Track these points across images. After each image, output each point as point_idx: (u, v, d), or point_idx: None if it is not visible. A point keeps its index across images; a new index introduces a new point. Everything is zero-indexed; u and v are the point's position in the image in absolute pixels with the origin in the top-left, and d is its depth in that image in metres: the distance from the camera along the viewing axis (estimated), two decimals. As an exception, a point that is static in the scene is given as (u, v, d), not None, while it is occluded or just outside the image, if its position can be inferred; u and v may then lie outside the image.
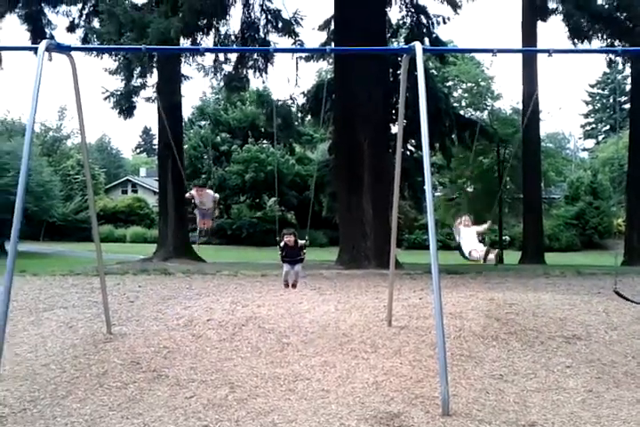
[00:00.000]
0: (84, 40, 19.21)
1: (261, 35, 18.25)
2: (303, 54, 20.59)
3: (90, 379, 5.43)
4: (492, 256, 6.07)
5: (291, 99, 23.66)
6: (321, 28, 22.98)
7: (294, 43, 18.00)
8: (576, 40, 16.70)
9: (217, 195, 7.52)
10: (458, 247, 6.37)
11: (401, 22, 22.87)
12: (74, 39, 19.35)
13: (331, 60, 22.13)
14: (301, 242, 6.70)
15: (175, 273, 12.80)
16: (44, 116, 68.90)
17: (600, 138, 67.42)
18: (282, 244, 6.69)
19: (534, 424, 4.31)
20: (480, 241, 6.31)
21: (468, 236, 6.35)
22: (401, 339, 6.58)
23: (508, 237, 36.61)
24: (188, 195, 7.29)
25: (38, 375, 5.52)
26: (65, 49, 5.83)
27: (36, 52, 5.40)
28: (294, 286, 7.17)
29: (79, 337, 6.85)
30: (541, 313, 7.60)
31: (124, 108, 19.46)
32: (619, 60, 19.50)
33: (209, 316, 7.70)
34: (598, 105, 69.29)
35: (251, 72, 18.53)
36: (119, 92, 19.17)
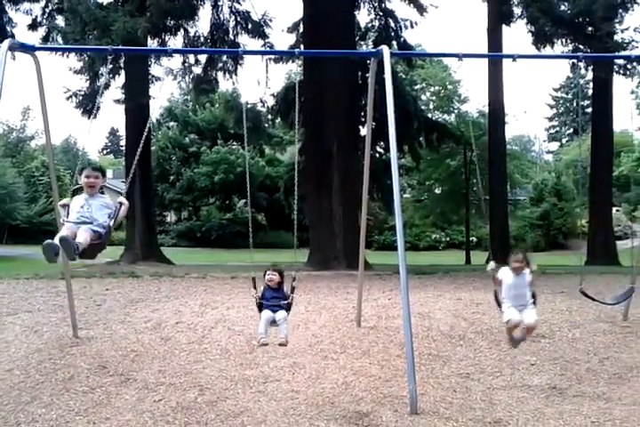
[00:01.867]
0: (46, 38, 18.85)
1: (231, 36, 18.23)
2: (273, 56, 20.60)
3: (55, 384, 5.34)
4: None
5: (261, 101, 23.63)
6: (290, 31, 22.98)
7: (264, 45, 18.01)
8: (540, 45, 17.05)
9: (123, 199, 4.72)
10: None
11: (369, 25, 23.02)
12: (36, 37, 18.98)
13: (300, 63, 22.18)
14: (293, 283, 5.02)
15: (143, 276, 12.66)
16: (7, 117, 67.40)
17: (564, 141, 68.95)
18: (260, 288, 5.01)
19: (500, 421, 4.40)
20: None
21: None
22: (370, 339, 6.64)
23: (474, 238, 37.15)
24: (64, 201, 4.72)
25: (1, 381, 5.40)
26: (29, 49, 5.75)
27: (-2, 52, 5.28)
28: (283, 344, 4.98)
29: (44, 341, 6.74)
30: (507, 313, 7.73)
31: (88, 109, 19.18)
32: (581, 64, 19.95)
33: (178, 319, 7.66)
34: (562, 108, 70.87)
35: (220, 74, 18.50)
36: (82, 92, 18.89)
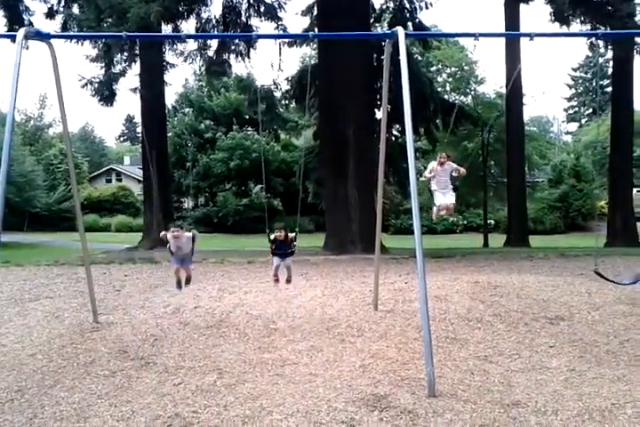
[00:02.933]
0: (64, 27, 18.89)
1: (243, 19, 18.09)
2: (286, 40, 20.45)
3: (77, 368, 5.43)
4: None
5: (274, 84, 23.51)
6: (304, 13, 22.79)
7: (277, 27, 17.87)
8: (558, 23, 16.72)
9: (195, 232, 6.76)
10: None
11: (384, 7, 22.75)
12: (53, 26, 19.08)
13: (314, 46, 22.00)
14: (291, 235, 6.55)
15: (161, 262, 12.77)
16: (24, 105, 67.91)
17: (583, 121, 67.88)
18: (272, 237, 6.57)
19: (518, 403, 4.39)
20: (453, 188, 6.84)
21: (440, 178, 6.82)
22: (387, 322, 6.65)
23: (492, 221, 36.89)
24: (162, 235, 6.60)
25: (25, 365, 5.51)
26: (44, 36, 5.75)
27: (14, 40, 5.30)
28: (288, 280, 6.91)
29: (65, 327, 6.84)
30: (525, 295, 7.71)
31: (105, 96, 19.27)
32: (600, 43, 19.56)
33: (196, 303, 7.72)
34: (581, 88, 69.67)
35: (233, 57, 18.41)
36: (98, 80, 18.96)
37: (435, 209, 7.10)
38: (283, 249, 6.58)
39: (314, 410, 4.29)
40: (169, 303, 7.77)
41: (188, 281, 6.87)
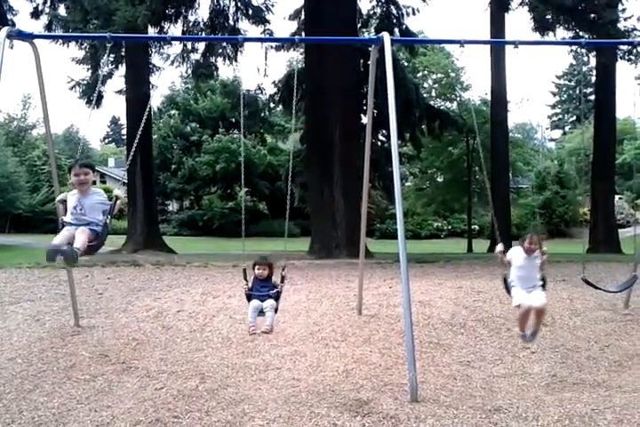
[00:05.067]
0: (49, 27, 18.73)
1: (231, 22, 18.06)
2: (273, 44, 20.45)
3: (57, 372, 5.37)
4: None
5: (259, 89, 23.51)
6: (291, 18, 22.85)
7: (264, 31, 17.89)
8: (541, 32, 16.87)
9: (118, 191, 4.76)
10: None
11: (371, 12, 22.84)
12: (38, 26, 18.88)
13: (302, 50, 22.04)
14: (278, 276, 5.09)
15: (145, 265, 12.67)
16: (8, 106, 67.32)
17: (567, 128, 68.56)
18: (250, 277, 5.07)
19: (500, 409, 4.40)
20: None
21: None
22: (371, 327, 6.65)
23: (476, 226, 37.13)
24: (61, 196, 4.71)
25: (4, 370, 5.43)
26: (27, 36, 5.68)
27: (-4, 40, 5.24)
28: (266, 332, 4.99)
29: (46, 330, 6.76)
30: (508, 300, 7.65)
31: (91, 98, 19.14)
32: (583, 51, 19.77)
33: (179, 307, 7.67)
34: (565, 96, 70.45)
35: (220, 60, 18.39)
36: (85, 82, 18.84)
37: (516, 305, 5.05)
38: (262, 290, 5.02)
39: (296, 415, 4.27)
40: (151, 307, 7.72)
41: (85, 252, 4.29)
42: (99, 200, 4.41)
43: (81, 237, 4.18)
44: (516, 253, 5.01)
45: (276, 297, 5.06)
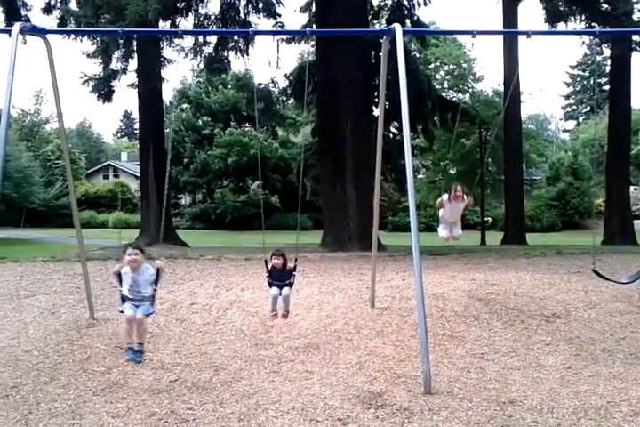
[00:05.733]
0: (61, 22, 18.79)
1: (242, 16, 18.00)
2: (284, 36, 20.39)
3: (73, 364, 5.42)
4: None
5: (272, 82, 23.47)
6: (302, 10, 22.74)
7: (275, 24, 17.81)
8: (553, 23, 16.67)
9: (161, 264, 5.26)
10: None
11: (382, 4, 22.70)
12: (50, 21, 18.94)
13: (312, 43, 21.96)
14: (290, 266, 5.69)
15: (158, 258, 12.71)
16: (21, 101, 67.66)
17: (581, 119, 67.95)
18: (269, 266, 5.66)
19: (514, 401, 4.39)
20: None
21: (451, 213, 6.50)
22: (384, 320, 6.64)
23: (489, 219, 36.93)
24: (116, 269, 5.13)
25: (20, 362, 5.50)
26: (40, 32, 5.72)
27: (10, 35, 5.28)
28: (284, 315, 5.67)
29: (62, 323, 6.83)
30: (522, 293, 7.71)
31: (103, 93, 19.24)
32: (596, 41, 19.53)
33: (193, 300, 7.71)
34: (579, 86, 69.69)
35: (232, 54, 18.36)
36: (97, 77, 18.92)
37: (441, 236, 6.75)
38: (280, 279, 5.65)
39: (310, 407, 4.29)
40: (165, 300, 7.75)
41: (139, 337, 4.96)
42: (148, 275, 5.07)
43: (140, 330, 4.96)
44: (445, 200, 6.50)
45: (290, 285, 5.62)
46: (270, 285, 5.64)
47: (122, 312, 5.01)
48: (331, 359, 5.50)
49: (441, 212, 6.57)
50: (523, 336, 6.20)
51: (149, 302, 5.04)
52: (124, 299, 5.01)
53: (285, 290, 5.55)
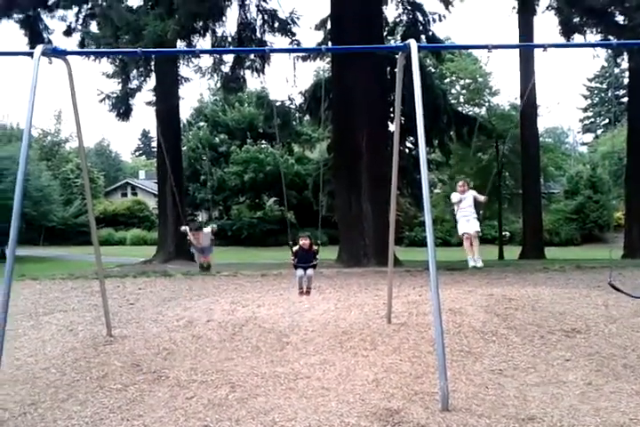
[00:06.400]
0: (82, 44, 19.19)
1: (258, 35, 18.26)
2: (300, 54, 20.61)
3: (90, 382, 5.44)
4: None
5: (289, 99, 23.69)
6: (317, 28, 23.01)
7: (291, 42, 18.02)
8: (568, 36, 16.65)
9: (213, 226, 7.82)
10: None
11: (397, 20, 22.90)
12: (71, 43, 19.36)
13: (328, 60, 22.14)
14: (315, 248, 6.67)
15: (175, 275, 12.81)
16: (42, 121, 68.90)
17: (599, 132, 67.32)
18: (295, 248, 6.66)
19: (534, 418, 4.32)
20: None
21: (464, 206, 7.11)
22: (400, 336, 6.59)
23: (508, 233, 36.57)
24: (183, 229, 7.61)
25: (38, 379, 5.53)
26: (60, 53, 5.85)
27: (32, 57, 5.42)
28: (308, 292, 6.96)
29: (79, 340, 6.87)
30: (541, 308, 7.61)
31: (122, 111, 19.51)
32: (610, 52, 19.45)
33: (209, 317, 7.72)
34: (597, 99, 69.22)
35: (248, 72, 18.59)
36: (115, 95, 19.22)
37: (460, 233, 7.31)
38: (306, 260, 6.65)
39: (326, 424, 4.26)
40: (182, 317, 7.78)
41: (208, 267, 7.82)
42: (210, 237, 7.67)
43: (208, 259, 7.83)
44: (455, 196, 7.23)
45: (314, 267, 6.81)
46: (295, 267, 6.71)
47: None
48: (347, 376, 5.46)
49: (455, 209, 7.21)
50: (542, 352, 6.10)
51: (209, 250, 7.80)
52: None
53: (309, 271, 6.67)
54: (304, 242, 6.57)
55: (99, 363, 5.96)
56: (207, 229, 7.65)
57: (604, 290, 8.92)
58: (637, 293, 6.89)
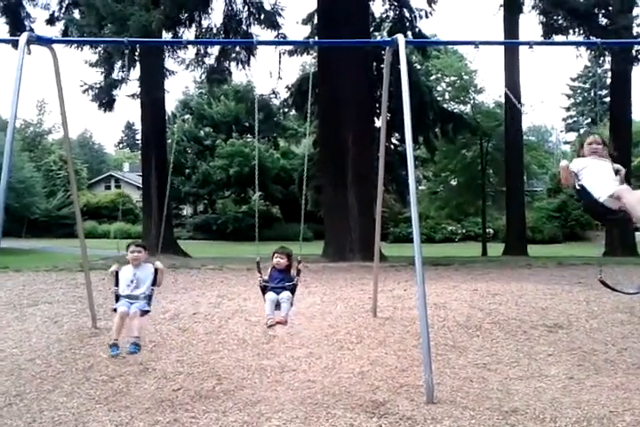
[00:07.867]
0: (65, 33, 18.95)
1: (244, 27, 18.18)
2: (286, 48, 20.58)
3: (76, 373, 5.43)
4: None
5: (273, 93, 23.64)
6: (304, 22, 22.96)
7: (277, 36, 17.98)
8: (551, 36, 16.80)
9: (159, 265, 5.30)
10: (581, 194, 4.53)
11: (384, 16, 22.92)
12: (54, 32, 19.09)
13: (315, 55, 22.11)
14: (297, 264, 5.17)
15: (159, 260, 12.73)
16: (24, 111, 67.92)
17: (581, 131, 67.94)
18: (267, 270, 5.13)
19: (517, 410, 4.39)
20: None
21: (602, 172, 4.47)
22: (386, 329, 6.65)
23: (491, 230, 36.92)
24: (113, 268, 5.35)
25: (24, 370, 5.51)
26: (46, 41, 5.78)
27: (16, 46, 5.33)
28: (282, 322, 5.10)
29: (64, 332, 6.84)
30: (524, 303, 7.72)
31: (105, 102, 19.35)
32: (596, 53, 19.64)
33: (195, 309, 7.72)
34: (580, 98, 69.86)
35: (233, 65, 18.50)
36: (98, 86, 19.04)
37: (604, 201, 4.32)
38: (280, 282, 5.07)
39: (313, 416, 4.29)
40: (168, 309, 7.77)
41: (134, 331, 5.03)
42: (149, 273, 5.20)
43: (135, 324, 5.04)
44: (582, 160, 4.68)
45: (292, 289, 5.14)
46: (264, 289, 5.08)
47: (114, 310, 5.14)
48: (333, 369, 5.50)
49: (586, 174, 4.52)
50: (525, 346, 6.20)
51: (145, 300, 5.10)
52: (118, 298, 5.14)
53: (284, 294, 5.02)
54: (278, 260, 5.09)
55: (84, 355, 5.95)
56: (151, 265, 5.31)
57: (585, 286, 9.08)
58: (628, 288, 7.00)
